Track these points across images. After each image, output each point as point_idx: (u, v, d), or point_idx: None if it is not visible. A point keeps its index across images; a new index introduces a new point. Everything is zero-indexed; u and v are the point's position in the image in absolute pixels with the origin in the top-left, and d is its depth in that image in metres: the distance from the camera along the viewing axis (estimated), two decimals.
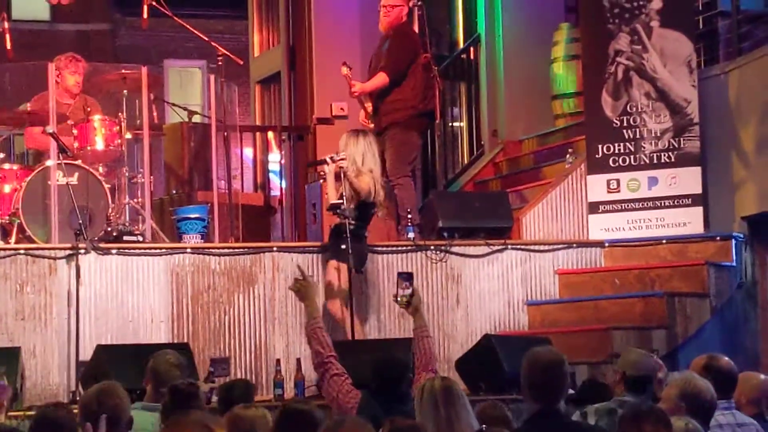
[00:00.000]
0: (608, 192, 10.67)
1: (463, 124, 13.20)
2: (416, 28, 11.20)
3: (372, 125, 10.54)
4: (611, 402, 6.00)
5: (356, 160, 9.17)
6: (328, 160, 9.28)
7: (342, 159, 9.16)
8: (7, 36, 10.71)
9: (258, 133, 13.71)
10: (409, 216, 10.11)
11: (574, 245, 10.48)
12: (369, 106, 10.54)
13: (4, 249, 9.16)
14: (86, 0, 23.40)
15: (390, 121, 10.42)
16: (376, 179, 9.21)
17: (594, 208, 10.70)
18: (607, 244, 10.55)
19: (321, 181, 9.98)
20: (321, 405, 7.49)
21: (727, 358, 6.02)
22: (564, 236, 10.66)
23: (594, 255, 10.51)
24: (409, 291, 7.13)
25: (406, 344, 8.14)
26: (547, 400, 5.02)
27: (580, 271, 10.42)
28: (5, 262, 9.04)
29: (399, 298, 7.17)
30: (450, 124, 13.23)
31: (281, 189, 12.46)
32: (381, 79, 10.39)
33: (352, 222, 9.04)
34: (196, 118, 11.91)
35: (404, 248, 9.94)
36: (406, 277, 7.23)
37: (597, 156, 10.71)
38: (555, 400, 5.03)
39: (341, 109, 12.17)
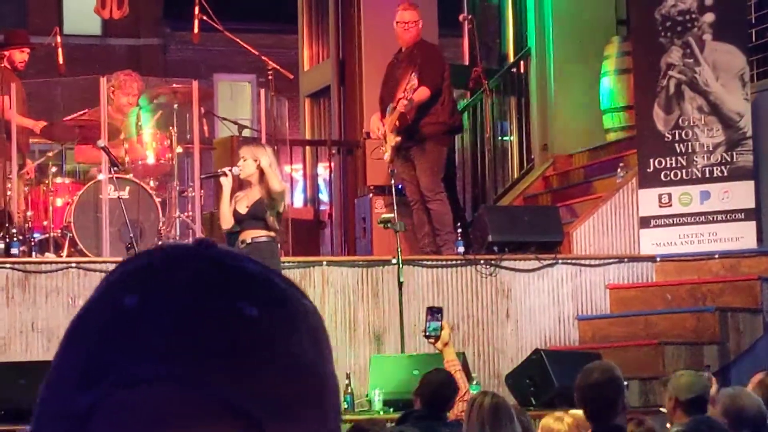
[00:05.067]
0: (660, 206, 10.59)
1: (513, 138, 13.15)
2: (466, 42, 11.16)
3: (392, 145, 10.38)
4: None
5: (272, 164, 8.92)
6: (227, 171, 9.14)
7: (239, 173, 8.90)
8: (60, 50, 10.79)
9: (308, 147, 13.73)
10: (448, 231, 10.09)
11: (626, 260, 10.41)
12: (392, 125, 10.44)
13: (57, 262, 9.22)
14: (137, 15, 23.56)
15: (421, 136, 10.38)
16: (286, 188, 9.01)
17: (645, 222, 10.62)
18: (658, 259, 10.46)
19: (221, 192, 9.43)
20: (370, 420, 7.50)
21: None
22: (615, 251, 10.58)
23: (645, 270, 10.43)
24: (437, 324, 7.16)
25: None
26: (597, 417, 4.95)
27: (631, 285, 10.34)
28: (57, 275, 9.09)
29: (428, 332, 7.22)
30: (500, 138, 13.19)
31: (330, 203, 12.46)
32: (424, 93, 10.37)
33: (273, 234, 8.81)
34: (246, 132, 11.94)
35: (454, 262, 9.91)
36: (435, 311, 7.28)
37: (648, 170, 10.63)
38: (605, 418, 4.96)
39: None
